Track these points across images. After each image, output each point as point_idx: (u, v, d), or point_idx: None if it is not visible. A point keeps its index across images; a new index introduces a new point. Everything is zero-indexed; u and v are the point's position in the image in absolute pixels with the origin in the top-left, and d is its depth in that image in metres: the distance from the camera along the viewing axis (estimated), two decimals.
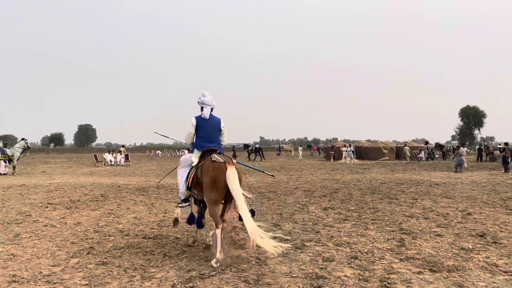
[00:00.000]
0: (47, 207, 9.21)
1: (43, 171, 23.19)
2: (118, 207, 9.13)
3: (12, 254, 5.29)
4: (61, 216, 8.03)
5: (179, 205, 5.78)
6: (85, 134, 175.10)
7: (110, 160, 30.89)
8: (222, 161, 5.00)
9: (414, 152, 34.29)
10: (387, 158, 34.82)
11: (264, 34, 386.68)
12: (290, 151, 58.51)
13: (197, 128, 5.56)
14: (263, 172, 6.50)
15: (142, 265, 4.76)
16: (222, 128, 5.68)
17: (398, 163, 29.02)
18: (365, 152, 36.44)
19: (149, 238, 6.12)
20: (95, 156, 32.01)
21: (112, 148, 42.96)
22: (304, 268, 4.58)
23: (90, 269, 4.63)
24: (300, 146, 55.06)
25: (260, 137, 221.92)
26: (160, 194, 11.46)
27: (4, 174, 20.26)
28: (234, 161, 5.22)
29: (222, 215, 5.14)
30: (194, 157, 5.51)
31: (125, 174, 20.86)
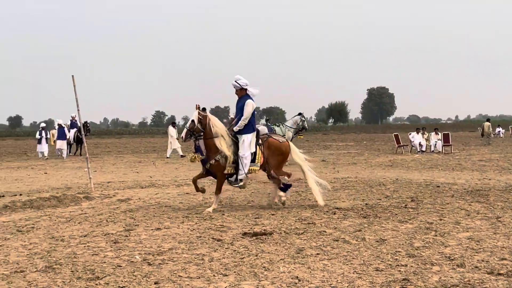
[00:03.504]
0: (334, 213, 10.35)
1: (323, 160, 25.94)
2: (441, 220, 9.43)
3: (297, 277, 6.14)
4: (356, 228, 8.87)
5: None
6: (378, 102, 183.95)
7: (420, 144, 31.77)
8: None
9: None
10: None
11: None
12: None
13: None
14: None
15: None
16: None
17: None
18: None
19: (499, 274, 6.09)
20: (396, 137, 33.64)
21: (420, 126, 43.91)
22: None
23: None
24: None
25: None
26: (510, 201, 11.17)
27: None
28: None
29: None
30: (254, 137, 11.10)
31: (445, 166, 21.30)
